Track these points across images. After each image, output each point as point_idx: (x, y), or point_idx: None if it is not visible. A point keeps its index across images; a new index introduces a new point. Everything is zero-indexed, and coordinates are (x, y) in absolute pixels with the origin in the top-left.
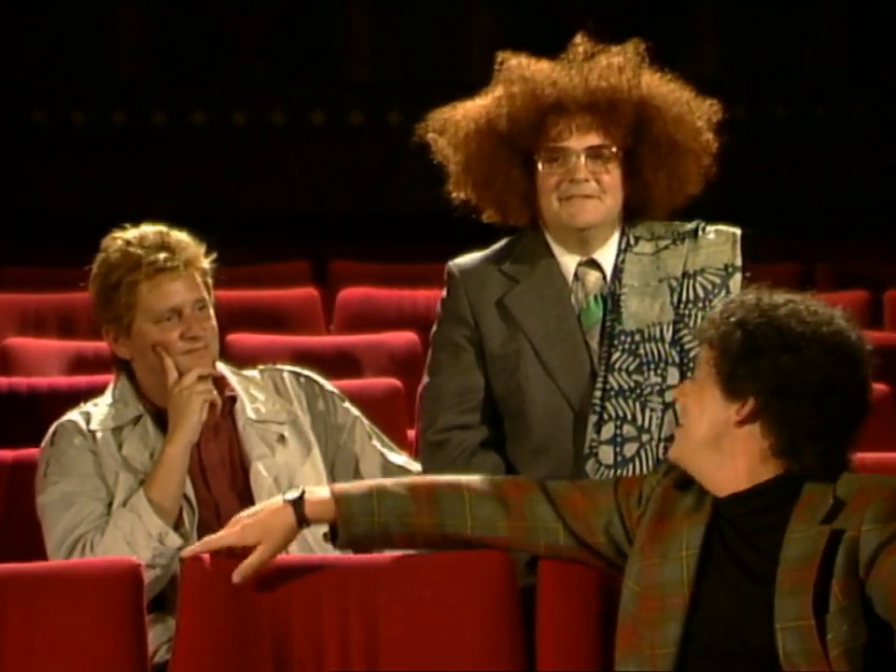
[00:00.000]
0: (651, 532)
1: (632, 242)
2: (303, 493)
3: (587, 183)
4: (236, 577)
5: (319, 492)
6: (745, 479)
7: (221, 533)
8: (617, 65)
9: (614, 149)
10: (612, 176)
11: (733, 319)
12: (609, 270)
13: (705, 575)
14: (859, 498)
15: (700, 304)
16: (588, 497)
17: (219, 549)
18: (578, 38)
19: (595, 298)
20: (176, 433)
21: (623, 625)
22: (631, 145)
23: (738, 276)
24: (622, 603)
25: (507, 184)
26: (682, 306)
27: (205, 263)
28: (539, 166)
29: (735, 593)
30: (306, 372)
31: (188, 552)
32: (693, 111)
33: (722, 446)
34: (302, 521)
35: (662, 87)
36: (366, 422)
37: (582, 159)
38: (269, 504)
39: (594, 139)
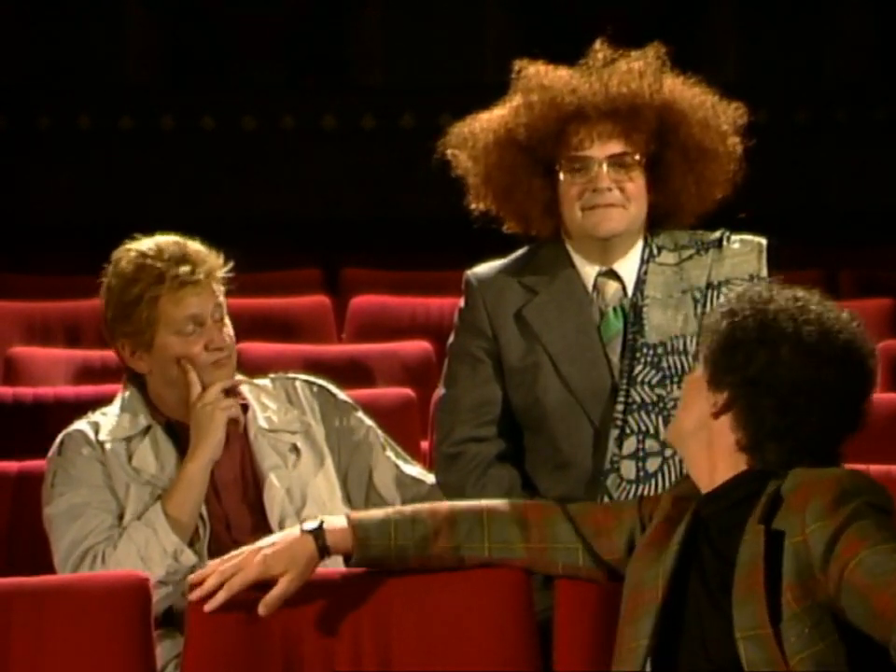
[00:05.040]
0: (648, 538)
1: (655, 252)
2: (322, 522)
3: (610, 192)
4: (262, 610)
5: (337, 521)
6: (717, 474)
7: (239, 563)
8: (637, 70)
9: (637, 157)
10: (636, 184)
11: (724, 310)
12: (628, 281)
13: (685, 579)
14: (799, 495)
15: None
16: (612, 514)
17: (243, 587)
18: (597, 45)
19: (615, 309)
20: (199, 449)
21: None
22: (656, 151)
23: None
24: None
25: (528, 194)
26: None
27: (222, 273)
28: (561, 176)
29: (696, 600)
30: (319, 381)
31: (213, 604)
32: (718, 115)
33: (702, 437)
34: (324, 551)
35: (685, 91)
36: (380, 432)
37: (605, 167)
38: (286, 534)
39: (615, 147)
